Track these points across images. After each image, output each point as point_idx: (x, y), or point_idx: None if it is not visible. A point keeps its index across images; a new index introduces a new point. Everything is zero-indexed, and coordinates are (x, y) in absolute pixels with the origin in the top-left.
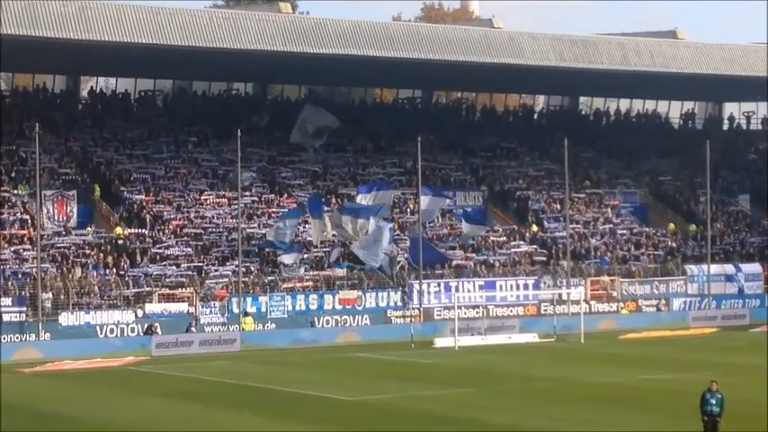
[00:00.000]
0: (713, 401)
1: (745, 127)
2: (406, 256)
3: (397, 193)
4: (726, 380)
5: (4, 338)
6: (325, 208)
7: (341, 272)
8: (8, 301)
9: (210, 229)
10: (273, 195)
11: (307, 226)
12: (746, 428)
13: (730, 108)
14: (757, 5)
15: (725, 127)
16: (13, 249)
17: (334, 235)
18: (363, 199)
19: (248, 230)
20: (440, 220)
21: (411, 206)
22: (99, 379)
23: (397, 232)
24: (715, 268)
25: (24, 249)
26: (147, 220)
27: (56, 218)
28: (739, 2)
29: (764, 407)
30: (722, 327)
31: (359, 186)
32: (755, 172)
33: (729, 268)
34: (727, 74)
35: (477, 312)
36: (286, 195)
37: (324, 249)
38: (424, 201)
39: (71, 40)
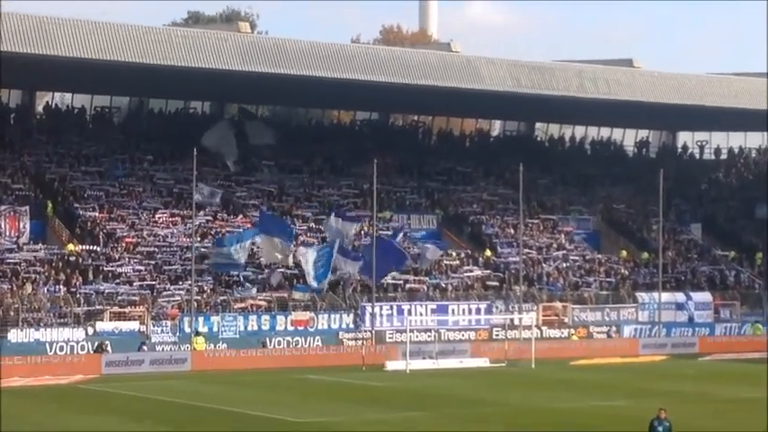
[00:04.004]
0: (660, 429)
1: (698, 156)
2: (357, 277)
3: (352, 215)
4: (674, 408)
5: None
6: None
7: (298, 294)
8: None
9: (164, 248)
10: (228, 215)
11: (257, 246)
12: None
13: (684, 137)
14: (713, 36)
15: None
16: None
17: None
18: (336, 223)
19: (202, 249)
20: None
21: (365, 228)
22: (47, 397)
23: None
24: (666, 296)
25: None
26: (101, 237)
27: (7, 233)
28: (696, 32)
29: None
30: (672, 354)
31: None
32: (708, 201)
33: (680, 296)
34: (681, 103)
35: (428, 336)
36: (241, 215)
37: (279, 270)
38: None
39: (27, 55)
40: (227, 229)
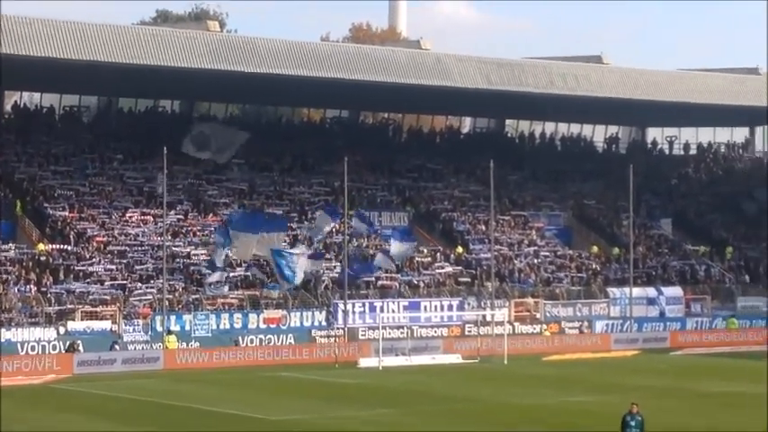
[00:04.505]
0: (633, 424)
1: (667, 152)
2: (331, 275)
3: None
4: (646, 402)
5: None
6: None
7: (271, 293)
8: None
9: (135, 247)
10: (199, 213)
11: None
12: None
13: (653, 133)
14: (681, 32)
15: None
16: None
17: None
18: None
19: (173, 248)
20: (366, 240)
21: (337, 226)
22: (19, 396)
23: (323, 251)
24: (637, 291)
25: None
26: (71, 236)
27: None
28: (664, 29)
29: (683, 430)
30: (643, 349)
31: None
32: (677, 196)
33: (651, 291)
34: (650, 99)
35: (401, 333)
36: (212, 214)
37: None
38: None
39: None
40: (197, 227)
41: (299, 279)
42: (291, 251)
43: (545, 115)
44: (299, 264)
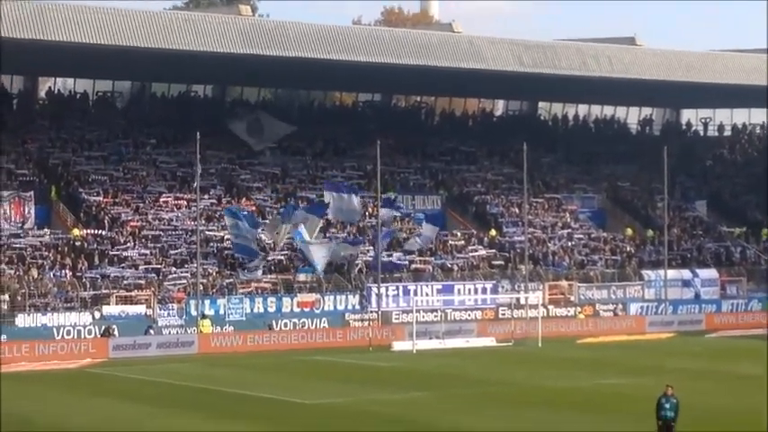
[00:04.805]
0: (668, 406)
1: (702, 133)
2: (364, 258)
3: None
4: (682, 385)
5: None
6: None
7: (302, 276)
8: None
9: (169, 231)
10: (232, 198)
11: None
12: None
13: (688, 114)
14: (714, 13)
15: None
16: None
17: (289, 237)
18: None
19: (207, 233)
20: (399, 224)
21: (369, 210)
22: (55, 381)
23: (356, 235)
24: (672, 273)
25: None
26: (105, 221)
27: (12, 219)
28: (697, 10)
29: (719, 412)
30: (678, 332)
31: (325, 182)
32: (712, 178)
33: (686, 273)
34: (684, 80)
35: (435, 316)
36: (245, 198)
37: (283, 253)
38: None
39: (29, 41)
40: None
41: (321, 267)
42: (308, 240)
43: (578, 97)
44: (316, 252)
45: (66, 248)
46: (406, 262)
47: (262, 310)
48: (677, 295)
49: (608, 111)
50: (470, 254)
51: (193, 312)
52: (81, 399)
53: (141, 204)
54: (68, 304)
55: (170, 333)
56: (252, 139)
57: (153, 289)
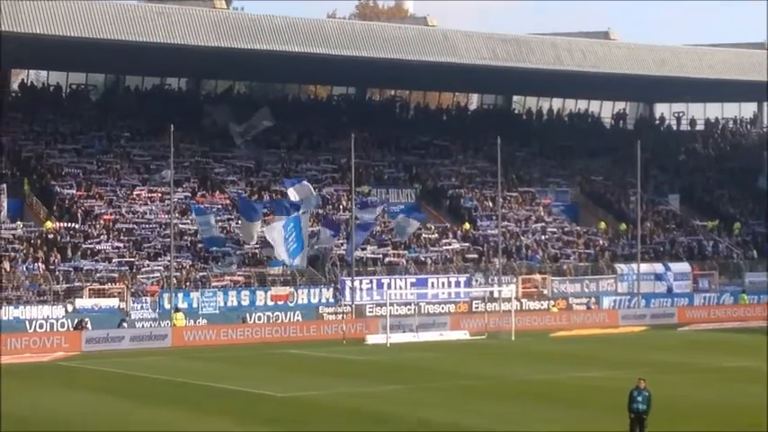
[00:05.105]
0: (640, 399)
1: (675, 128)
2: (338, 251)
3: (330, 190)
4: (654, 378)
5: None
6: (262, 209)
7: (274, 269)
8: None
9: (142, 225)
10: (206, 191)
11: (236, 224)
12: (672, 426)
13: (661, 108)
14: (688, 6)
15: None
16: None
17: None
18: (294, 193)
19: (180, 226)
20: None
21: (344, 203)
22: (28, 374)
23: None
24: (645, 267)
25: None
26: (79, 214)
27: None
28: (670, 3)
29: (691, 404)
30: (651, 325)
31: (285, 180)
32: (685, 172)
33: (659, 267)
34: (658, 74)
35: (408, 309)
36: (218, 191)
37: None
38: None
39: (1, 32)
40: (205, 205)
41: (305, 254)
42: (287, 227)
43: (552, 91)
44: (301, 236)
45: (39, 241)
46: (380, 255)
47: (235, 303)
48: (650, 289)
49: (582, 105)
50: (444, 247)
51: (167, 305)
52: (54, 392)
53: (115, 197)
54: (41, 297)
55: (143, 326)
56: (236, 126)
57: (126, 282)
